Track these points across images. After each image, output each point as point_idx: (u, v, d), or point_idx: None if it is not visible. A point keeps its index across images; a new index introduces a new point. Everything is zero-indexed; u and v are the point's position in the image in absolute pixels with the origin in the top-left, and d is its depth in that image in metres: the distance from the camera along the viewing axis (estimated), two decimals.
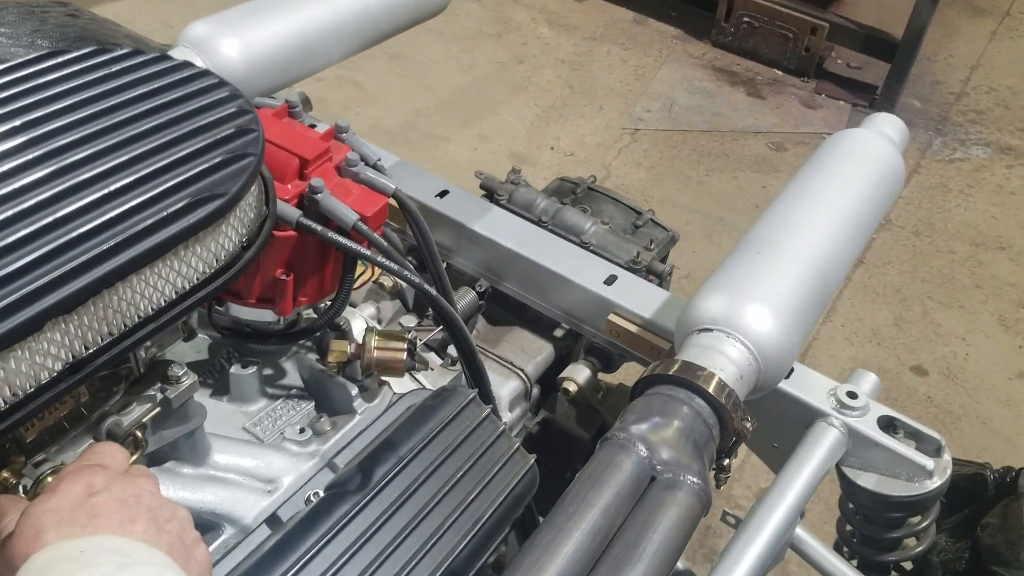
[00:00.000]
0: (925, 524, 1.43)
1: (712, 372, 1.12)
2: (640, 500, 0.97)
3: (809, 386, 1.45)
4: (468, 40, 4.26)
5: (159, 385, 0.92)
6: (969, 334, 3.12)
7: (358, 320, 1.37)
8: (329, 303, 1.14)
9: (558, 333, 1.76)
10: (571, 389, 1.67)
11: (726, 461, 1.14)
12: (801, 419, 1.42)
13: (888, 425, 1.41)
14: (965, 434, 2.77)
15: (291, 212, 1.01)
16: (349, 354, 1.19)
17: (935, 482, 1.38)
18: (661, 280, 1.86)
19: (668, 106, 4.02)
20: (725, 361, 1.16)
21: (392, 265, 1.05)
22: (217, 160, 0.86)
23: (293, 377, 1.21)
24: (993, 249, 3.52)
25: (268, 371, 1.21)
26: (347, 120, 1.19)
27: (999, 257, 3.49)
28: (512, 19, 4.47)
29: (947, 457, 1.40)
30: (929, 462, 1.36)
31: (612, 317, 1.55)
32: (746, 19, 4.32)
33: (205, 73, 1.00)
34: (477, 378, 1.19)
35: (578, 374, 1.68)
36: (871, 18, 4.64)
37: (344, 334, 1.24)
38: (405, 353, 1.19)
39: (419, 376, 1.30)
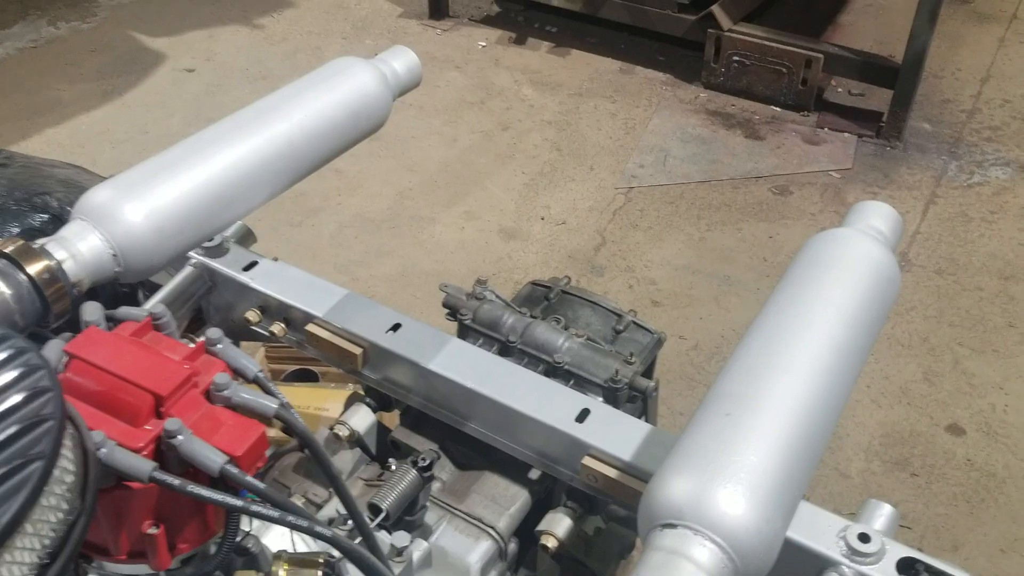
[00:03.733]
0: None
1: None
2: None
3: (816, 529, 1.24)
4: (450, 111, 4.11)
5: None
6: (1007, 381, 2.88)
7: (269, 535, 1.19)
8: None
9: (533, 475, 1.57)
10: (550, 545, 1.48)
11: None
12: (808, 569, 1.23)
13: (908, 568, 1.21)
14: (1013, 498, 2.53)
15: (142, 466, 0.84)
16: None
17: None
18: (645, 398, 1.67)
19: (662, 159, 3.84)
20: (693, 570, 0.96)
21: (272, 513, 0.87)
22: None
23: None
24: None
25: None
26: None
27: None
28: (494, 83, 4.32)
29: None
30: None
31: (587, 460, 1.36)
32: (736, 58, 4.14)
33: None
34: None
35: (557, 525, 1.48)
36: (869, 42, 4.45)
37: (254, 561, 1.06)
38: None
39: None
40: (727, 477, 1.03)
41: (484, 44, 4.62)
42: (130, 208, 1.29)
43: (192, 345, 0.98)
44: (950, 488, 2.55)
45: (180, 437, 0.86)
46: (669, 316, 3.10)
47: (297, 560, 1.02)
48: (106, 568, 0.95)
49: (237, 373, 0.97)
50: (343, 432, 1.57)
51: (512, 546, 1.55)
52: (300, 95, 1.61)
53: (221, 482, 0.87)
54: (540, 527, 1.48)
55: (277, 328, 1.61)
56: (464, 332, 1.78)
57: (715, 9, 4.10)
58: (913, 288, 3.23)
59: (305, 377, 2.41)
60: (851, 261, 1.39)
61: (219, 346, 0.98)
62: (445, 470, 1.61)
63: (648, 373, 1.82)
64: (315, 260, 3.22)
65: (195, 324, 1.75)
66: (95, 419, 0.88)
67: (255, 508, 0.87)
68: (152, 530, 0.90)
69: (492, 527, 1.51)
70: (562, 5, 4.47)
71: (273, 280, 1.62)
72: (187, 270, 1.67)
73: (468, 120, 4.07)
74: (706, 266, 3.31)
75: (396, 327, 1.55)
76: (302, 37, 4.62)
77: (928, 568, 1.20)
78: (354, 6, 4.92)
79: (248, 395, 0.94)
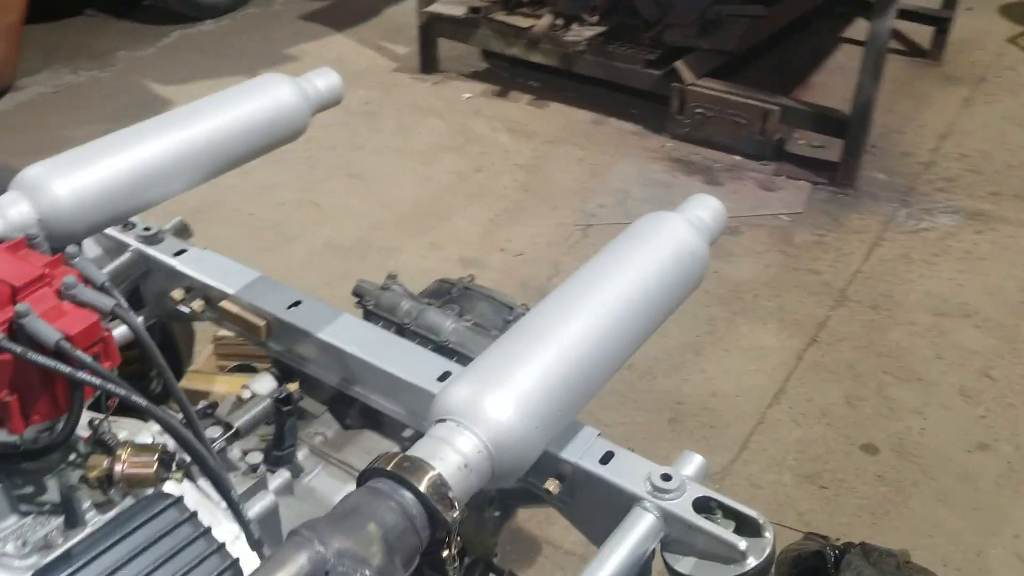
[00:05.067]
0: None
1: (431, 465, 1.11)
2: None
3: (626, 471, 1.42)
4: (428, 154, 4.40)
5: None
6: (926, 407, 3.02)
7: (144, 435, 1.40)
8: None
9: (406, 434, 1.77)
10: None
11: (444, 553, 1.12)
12: (619, 506, 1.39)
13: (704, 506, 1.38)
14: (916, 512, 2.65)
15: None
16: (106, 469, 1.22)
17: (751, 562, 1.32)
18: None
19: (622, 199, 4.07)
20: (451, 453, 1.14)
21: (94, 380, 1.09)
22: None
23: (52, 494, 1.24)
24: (957, 317, 3.43)
25: (28, 488, 1.24)
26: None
27: (963, 325, 3.39)
28: (473, 131, 4.61)
29: (769, 535, 1.35)
30: (741, 542, 1.31)
31: None
32: (699, 110, 4.39)
33: None
34: (216, 483, 1.19)
35: None
36: (836, 99, 4.66)
37: (109, 449, 1.27)
38: (156, 465, 1.22)
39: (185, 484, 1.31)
40: (497, 387, 1.22)
41: (468, 96, 4.93)
42: (57, 183, 1.54)
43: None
44: (856, 500, 2.68)
45: (27, 318, 1.08)
46: None
47: (139, 446, 1.23)
48: None
49: (87, 280, 1.20)
50: (245, 395, 1.77)
51: None
52: (224, 101, 1.86)
53: (58, 356, 1.09)
54: None
55: (197, 305, 1.83)
56: (368, 317, 2.00)
57: (679, 64, 4.37)
58: (847, 321, 3.39)
59: (248, 371, 2.63)
60: (660, 237, 1.60)
61: (76, 260, 1.21)
62: (331, 428, 1.81)
63: None
64: (287, 280, 3.46)
65: (133, 304, 1.98)
66: None
67: (81, 376, 1.08)
68: (7, 398, 1.12)
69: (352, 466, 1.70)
70: (540, 60, 4.77)
71: (197, 264, 1.85)
72: (126, 255, 1.91)
73: (444, 162, 4.34)
74: None
75: (296, 303, 1.77)
76: None
77: (721, 506, 1.38)
78: (352, 61, 5.28)
79: (90, 294, 1.16)
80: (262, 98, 1.90)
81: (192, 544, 1.05)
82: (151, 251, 1.87)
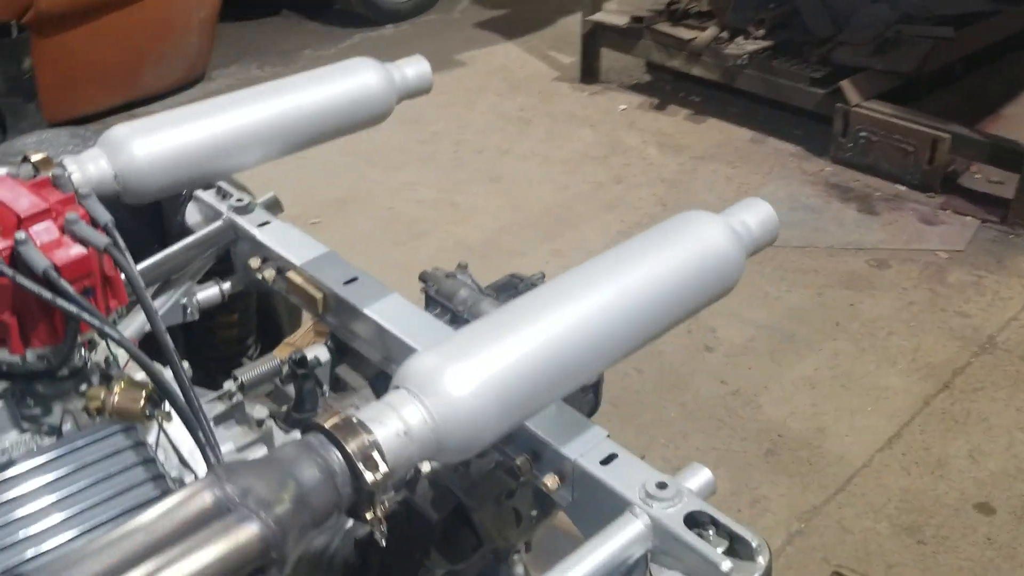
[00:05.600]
0: None
1: (368, 428, 1.10)
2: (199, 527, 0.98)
3: (624, 475, 1.36)
4: (572, 163, 4.39)
5: None
6: None
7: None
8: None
9: None
10: (424, 468, 1.67)
11: (368, 515, 1.10)
12: (612, 509, 1.34)
13: (696, 521, 1.30)
14: None
15: None
16: (102, 400, 1.30)
17: None
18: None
19: None
20: (394, 419, 1.13)
21: (69, 307, 1.16)
22: None
23: (54, 418, 1.34)
24: None
25: (36, 410, 1.35)
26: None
27: None
28: (622, 142, 4.56)
29: (762, 561, 1.25)
30: (725, 562, 1.22)
31: None
32: (863, 133, 4.13)
33: None
34: (170, 399, 1.23)
35: None
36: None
37: (109, 381, 1.36)
38: (143, 401, 1.29)
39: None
40: (458, 362, 1.19)
41: (624, 107, 4.88)
42: (136, 144, 1.66)
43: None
44: (957, 561, 2.42)
45: (23, 245, 1.18)
46: (718, 362, 3.14)
47: (133, 382, 1.30)
48: None
49: (93, 220, 1.28)
50: (296, 356, 1.84)
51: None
52: (308, 80, 1.94)
53: (47, 284, 1.17)
54: None
55: (268, 274, 1.93)
56: (428, 302, 2.03)
57: (845, 84, 4.13)
58: (989, 370, 3.07)
59: None
60: (687, 236, 1.51)
61: (85, 200, 1.30)
62: (367, 402, 1.85)
63: None
64: (405, 272, 3.56)
65: (226, 271, 2.11)
66: None
67: (61, 303, 1.16)
68: (7, 319, 1.22)
69: None
70: (701, 74, 4.65)
71: (275, 236, 1.94)
72: (218, 222, 2.04)
73: (585, 172, 4.32)
74: (773, 322, 3.32)
75: (353, 280, 1.82)
76: (461, 92, 5.10)
77: (716, 523, 1.29)
78: (516, 69, 5.37)
79: (88, 231, 1.24)
80: (347, 81, 1.96)
81: (130, 469, 1.10)
82: (239, 220, 1.97)
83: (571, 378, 1.33)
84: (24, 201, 1.25)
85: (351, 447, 1.07)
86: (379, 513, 1.11)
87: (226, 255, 2.06)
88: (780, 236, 3.87)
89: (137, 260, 1.38)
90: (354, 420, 1.10)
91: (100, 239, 1.25)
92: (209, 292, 2.01)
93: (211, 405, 1.55)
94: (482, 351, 1.23)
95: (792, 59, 4.42)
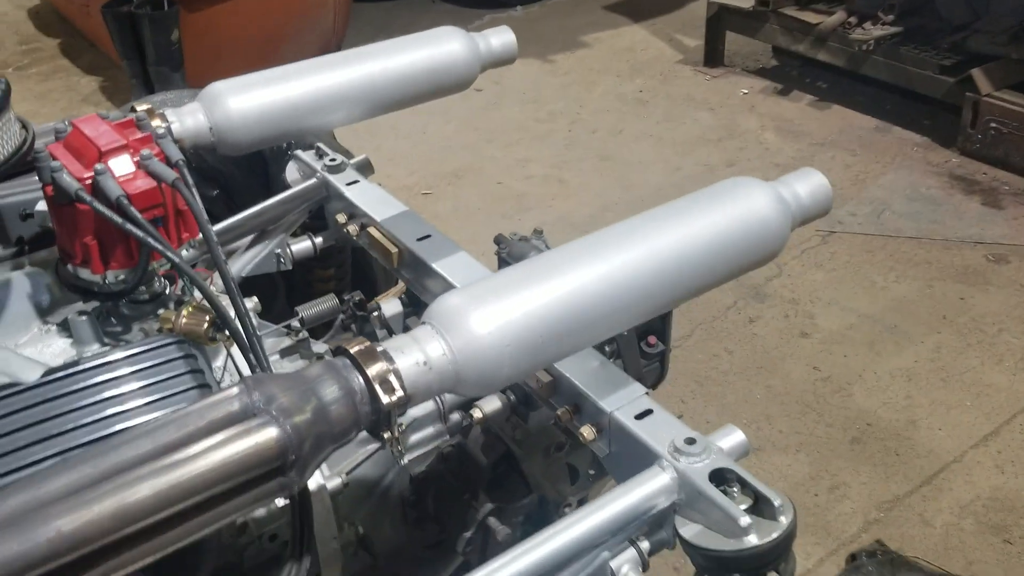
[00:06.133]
0: None
1: (389, 356, 1.20)
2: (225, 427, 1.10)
3: (657, 431, 1.42)
4: (686, 145, 4.37)
5: None
6: None
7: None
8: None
9: None
10: (476, 415, 1.76)
11: (385, 435, 1.19)
12: (643, 461, 1.40)
13: (722, 478, 1.34)
14: None
15: (71, 185, 1.32)
16: (172, 322, 1.45)
17: (751, 540, 1.27)
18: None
19: (878, 211, 3.77)
20: (416, 351, 1.21)
21: (137, 232, 1.31)
22: None
23: (133, 336, 1.50)
24: None
25: (118, 328, 1.51)
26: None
27: None
28: (740, 126, 4.51)
29: (784, 520, 1.29)
30: (744, 517, 1.27)
31: None
32: (993, 125, 3.94)
33: None
34: (244, 348, 1.36)
35: (488, 403, 1.76)
36: None
37: (182, 305, 1.51)
38: (206, 325, 1.43)
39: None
40: (482, 304, 1.28)
41: (746, 92, 4.82)
42: (231, 100, 1.82)
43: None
44: None
45: (101, 176, 1.33)
46: (813, 348, 3.09)
47: (200, 307, 1.44)
48: (76, 272, 1.44)
49: (166, 158, 1.43)
50: (372, 307, 1.97)
51: (457, 415, 1.85)
52: (395, 46, 2.06)
53: (119, 211, 1.32)
54: (476, 403, 1.77)
55: (352, 228, 2.07)
56: (500, 263, 2.12)
57: (976, 72, 3.95)
58: None
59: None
60: (732, 200, 1.54)
61: (162, 140, 1.45)
62: None
63: (661, 331, 2.00)
64: None
65: (319, 227, 2.26)
66: (69, 160, 1.38)
67: (130, 227, 1.31)
68: (89, 242, 1.38)
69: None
70: (826, 59, 4.53)
71: (361, 193, 2.08)
72: (313, 179, 2.19)
73: (698, 154, 4.30)
74: (875, 312, 3.24)
75: (426, 237, 1.93)
76: (582, 73, 5.15)
77: (741, 480, 1.33)
78: (640, 51, 5.37)
79: (159, 166, 1.39)
80: (432, 48, 2.06)
81: (177, 375, 1.24)
82: (331, 178, 2.12)
83: (593, 330, 1.37)
84: (106, 137, 1.40)
85: (371, 371, 1.16)
86: (396, 433, 1.20)
87: (320, 212, 2.21)
88: (893, 226, 3.80)
89: None
90: (378, 348, 1.19)
91: (169, 174, 1.39)
92: (302, 245, 2.16)
93: (277, 340, 1.68)
94: (506, 296, 1.30)
95: (921, 46, 4.25)
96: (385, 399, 1.15)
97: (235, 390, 1.13)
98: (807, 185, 1.63)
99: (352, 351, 1.20)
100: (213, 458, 1.04)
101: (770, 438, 2.74)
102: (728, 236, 1.48)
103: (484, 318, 1.26)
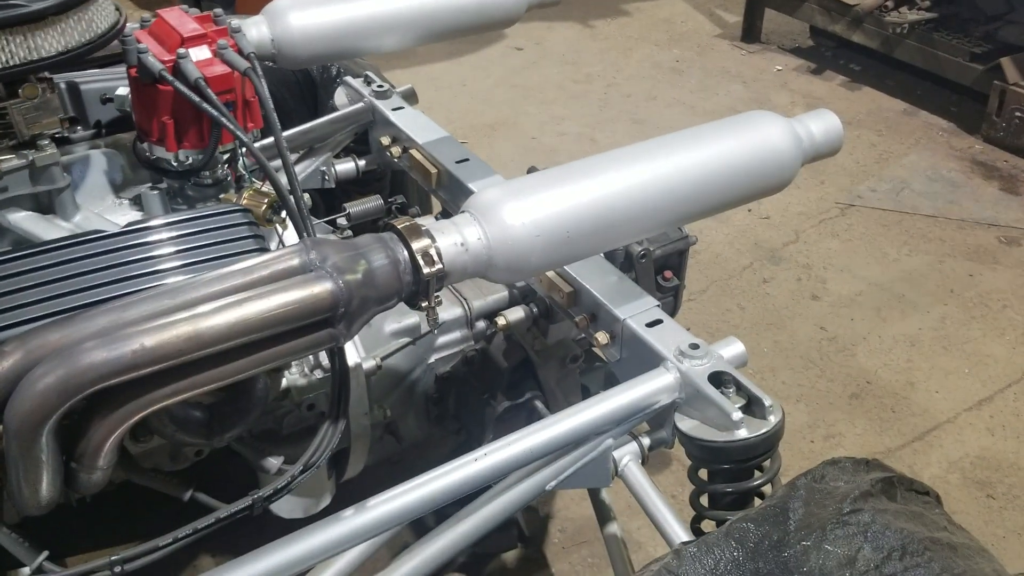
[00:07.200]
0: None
1: (432, 235, 1.34)
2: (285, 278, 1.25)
3: (665, 337, 1.57)
4: (716, 114, 4.48)
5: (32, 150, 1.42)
6: None
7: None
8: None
9: (519, 284, 2.01)
10: (500, 322, 1.91)
11: (423, 304, 1.34)
12: (651, 364, 1.54)
13: (720, 381, 1.48)
14: None
15: (155, 65, 1.48)
16: (234, 203, 1.61)
17: (741, 434, 1.42)
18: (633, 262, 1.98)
19: (898, 189, 3.88)
20: (454, 233, 1.36)
21: (212, 111, 1.46)
22: None
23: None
24: None
25: (183, 207, 1.67)
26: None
27: None
28: (771, 100, 4.61)
29: (772, 419, 1.43)
30: (735, 412, 1.42)
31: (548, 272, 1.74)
32: (1018, 113, 4.02)
33: None
34: (300, 229, 1.51)
35: (512, 313, 1.91)
36: None
37: (242, 188, 1.66)
38: (265, 206, 1.59)
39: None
40: (516, 198, 1.42)
41: (780, 69, 4.91)
42: (292, 16, 1.96)
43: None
44: (1023, 518, 2.45)
45: (182, 60, 1.49)
46: (821, 310, 3.22)
47: (260, 191, 1.60)
48: (151, 149, 1.59)
49: (239, 50, 1.58)
50: (414, 212, 2.11)
51: (482, 323, 2.00)
52: None
53: (197, 91, 1.47)
54: (501, 312, 1.91)
55: (395, 151, 2.21)
56: None
57: (1004, 61, 4.03)
58: None
59: None
60: (749, 128, 1.68)
61: (236, 33, 1.60)
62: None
63: (677, 267, 2.12)
64: None
65: (363, 150, 2.40)
66: (153, 45, 1.54)
67: (204, 106, 1.46)
68: (167, 120, 1.54)
69: (467, 299, 1.98)
70: (861, 41, 4.62)
71: (405, 119, 2.22)
72: (360, 103, 2.34)
73: None
74: (885, 282, 3.36)
75: (464, 160, 2.08)
76: (621, 39, 5.26)
77: (737, 383, 1.47)
78: (679, 23, 5.46)
79: (233, 56, 1.54)
80: None
81: (241, 237, 1.39)
82: (377, 103, 2.27)
83: (615, 232, 1.52)
84: (187, 26, 1.56)
85: (415, 245, 1.32)
86: (432, 303, 1.35)
87: (363, 137, 2.36)
88: (910, 203, 3.95)
89: None
90: (423, 227, 1.34)
91: (242, 63, 1.54)
92: (346, 166, 2.31)
93: (323, 234, 1.83)
94: (540, 193, 1.45)
95: (954, 33, 4.33)
96: (426, 269, 1.30)
97: (295, 248, 1.29)
98: (821, 124, 1.76)
99: (400, 227, 1.35)
100: (275, 301, 1.20)
101: (772, 388, 2.87)
102: (743, 160, 1.62)
103: (518, 210, 1.41)
